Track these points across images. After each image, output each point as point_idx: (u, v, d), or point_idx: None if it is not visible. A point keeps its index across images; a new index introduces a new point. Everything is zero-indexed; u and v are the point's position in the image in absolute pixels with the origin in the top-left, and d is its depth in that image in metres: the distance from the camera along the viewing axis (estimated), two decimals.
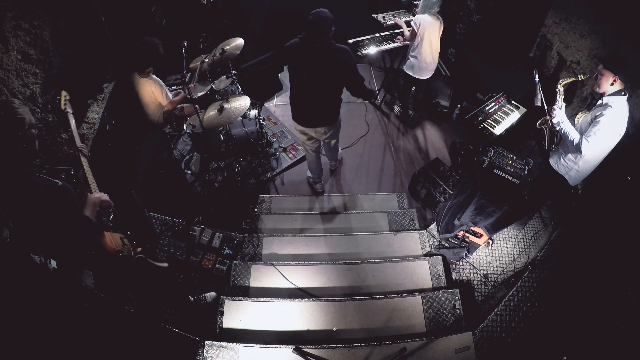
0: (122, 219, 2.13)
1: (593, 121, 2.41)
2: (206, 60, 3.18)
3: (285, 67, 5.01)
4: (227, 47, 3.21)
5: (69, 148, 2.84)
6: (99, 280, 2.29)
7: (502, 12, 4.21)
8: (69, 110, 2.15)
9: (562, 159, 2.73)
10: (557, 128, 2.60)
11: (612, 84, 2.34)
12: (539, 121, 2.80)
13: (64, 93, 2.18)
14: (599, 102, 2.44)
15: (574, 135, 2.49)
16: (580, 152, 2.44)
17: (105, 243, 1.94)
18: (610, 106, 2.35)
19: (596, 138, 2.38)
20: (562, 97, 2.61)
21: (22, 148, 1.62)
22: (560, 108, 2.59)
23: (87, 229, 1.77)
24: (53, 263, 1.99)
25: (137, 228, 2.16)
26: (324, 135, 3.10)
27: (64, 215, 1.70)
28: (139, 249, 2.09)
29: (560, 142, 2.82)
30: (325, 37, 2.49)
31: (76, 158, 2.10)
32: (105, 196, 1.94)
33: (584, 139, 2.41)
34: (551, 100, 2.70)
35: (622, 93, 2.34)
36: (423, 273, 2.77)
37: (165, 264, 2.34)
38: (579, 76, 2.58)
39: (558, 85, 2.61)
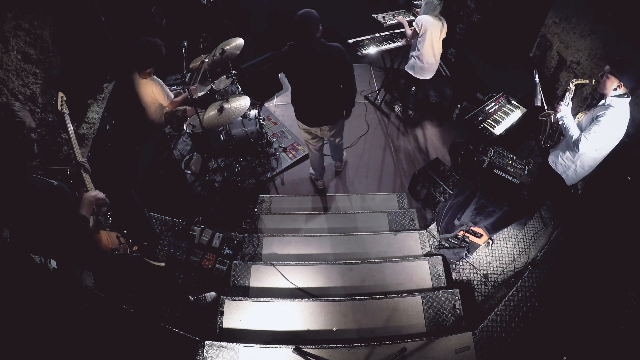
0: (122, 218, 2.12)
1: (594, 120, 2.42)
2: (206, 60, 3.18)
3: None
4: (227, 47, 3.21)
5: (69, 148, 2.84)
6: (99, 280, 2.29)
7: (502, 12, 4.21)
8: (66, 111, 2.13)
9: (560, 158, 2.74)
10: (560, 122, 2.62)
11: (615, 89, 2.35)
12: (542, 113, 2.82)
13: (60, 94, 2.16)
14: (601, 102, 2.45)
15: (574, 130, 2.51)
16: (578, 149, 2.45)
17: (101, 241, 1.94)
18: (612, 106, 2.36)
19: (595, 136, 2.39)
20: (572, 95, 2.64)
21: (20, 151, 1.61)
22: (567, 105, 2.61)
23: (83, 228, 1.77)
24: (53, 263, 1.99)
25: (137, 228, 2.15)
26: (328, 133, 3.12)
27: (60, 214, 1.70)
28: (135, 247, 2.09)
29: (559, 141, 2.82)
30: (315, 38, 2.46)
31: (78, 174, 2.03)
32: (100, 194, 1.93)
33: (582, 136, 2.43)
34: (551, 100, 2.71)
35: (625, 96, 2.36)
36: (423, 273, 2.77)
37: (162, 264, 2.33)
38: (593, 81, 2.61)
39: (570, 84, 2.63)
